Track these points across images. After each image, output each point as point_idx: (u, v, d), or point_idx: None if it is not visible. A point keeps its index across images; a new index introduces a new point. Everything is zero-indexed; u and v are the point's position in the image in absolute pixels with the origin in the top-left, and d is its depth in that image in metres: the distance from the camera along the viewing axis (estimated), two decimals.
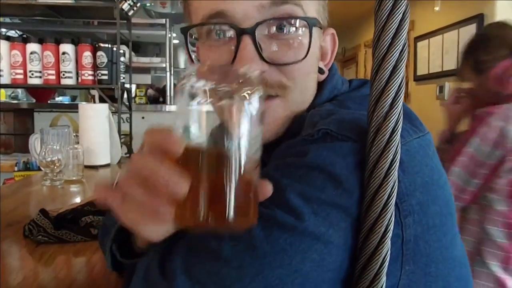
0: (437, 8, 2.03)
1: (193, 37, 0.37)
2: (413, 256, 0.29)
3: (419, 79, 2.26)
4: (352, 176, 0.28)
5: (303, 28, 0.34)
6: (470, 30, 1.83)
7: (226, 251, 0.27)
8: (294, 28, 0.34)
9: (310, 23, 0.34)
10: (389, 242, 0.27)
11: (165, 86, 2.63)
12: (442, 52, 2.03)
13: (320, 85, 0.40)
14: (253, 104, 0.24)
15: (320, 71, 0.39)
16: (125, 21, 1.76)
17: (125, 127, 1.72)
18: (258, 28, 0.33)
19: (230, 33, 0.34)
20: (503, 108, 0.81)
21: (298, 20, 0.34)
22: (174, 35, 2.90)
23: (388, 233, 0.27)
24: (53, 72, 1.50)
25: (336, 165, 0.28)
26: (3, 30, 1.90)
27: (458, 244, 0.34)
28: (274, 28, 0.34)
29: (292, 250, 0.26)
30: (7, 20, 2.10)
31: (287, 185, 0.28)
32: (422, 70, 2.23)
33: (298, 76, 0.35)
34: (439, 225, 0.30)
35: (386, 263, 0.27)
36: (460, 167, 0.83)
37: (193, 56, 0.38)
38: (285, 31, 0.34)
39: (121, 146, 1.47)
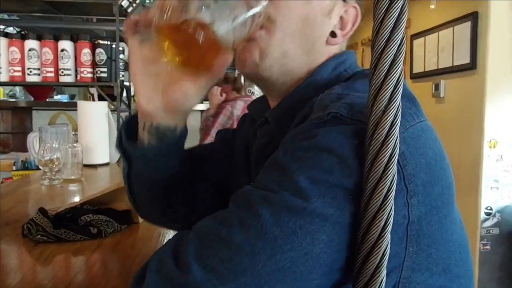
0: (432, 6, 2.03)
1: None
2: (416, 237, 0.30)
3: (415, 76, 2.27)
4: (360, 158, 0.28)
5: None
6: (465, 28, 1.84)
7: (238, 238, 0.27)
8: None
9: None
10: (389, 236, 0.27)
11: None
12: (438, 50, 2.04)
13: (330, 57, 0.41)
14: None
15: (332, 34, 0.40)
16: (124, 18, 1.75)
17: None
18: None
19: None
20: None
21: None
22: None
23: (388, 227, 0.27)
24: (52, 69, 1.49)
25: (345, 146, 0.28)
26: (1, 26, 1.88)
27: (458, 229, 0.34)
28: None
29: (302, 232, 0.27)
30: (5, 16, 2.08)
31: (295, 169, 0.28)
32: (418, 68, 2.24)
33: (289, 11, 0.37)
34: (440, 207, 0.31)
35: (386, 257, 0.27)
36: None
37: None
38: None
39: None
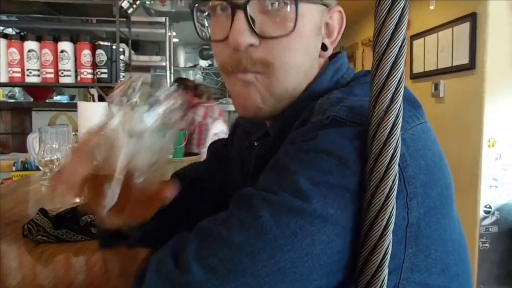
0: (432, 7, 2.05)
1: (205, 14, 0.40)
2: (415, 238, 0.30)
3: (415, 77, 2.29)
4: (360, 159, 0.28)
5: (293, 5, 0.35)
6: (464, 29, 1.86)
7: (238, 238, 0.27)
8: (285, 5, 0.35)
9: None
10: (391, 235, 0.28)
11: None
12: (437, 50, 2.05)
13: (324, 66, 0.40)
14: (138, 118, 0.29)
15: (323, 47, 0.39)
16: (125, 19, 1.75)
17: None
18: (250, 3, 0.35)
19: (228, 8, 0.36)
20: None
21: None
22: (174, 33, 2.89)
23: (390, 226, 0.27)
24: (52, 70, 1.49)
25: (344, 148, 0.28)
26: (0, 27, 1.88)
27: (457, 228, 0.34)
28: (268, 5, 0.35)
29: (302, 233, 0.27)
30: (4, 17, 2.08)
31: (295, 170, 0.29)
32: (417, 68, 2.26)
33: (286, 54, 0.36)
34: (439, 207, 0.31)
35: (388, 256, 0.28)
36: None
37: (201, 34, 0.40)
38: (277, 7, 0.35)
39: None
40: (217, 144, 0.56)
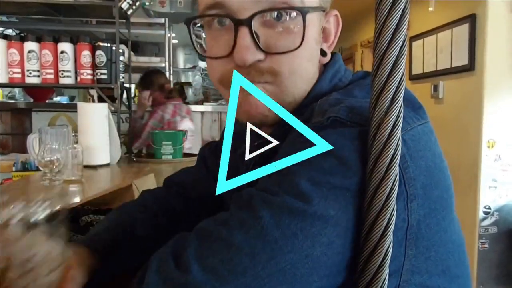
0: (431, 9, 2.05)
1: (198, 25, 0.38)
2: (415, 240, 0.30)
3: (414, 78, 2.29)
4: (360, 159, 0.28)
5: (298, 17, 0.34)
6: (463, 30, 1.86)
7: (238, 238, 0.27)
8: (289, 18, 0.34)
9: (303, 11, 0.34)
10: (392, 235, 0.28)
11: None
12: (436, 51, 2.06)
13: (322, 70, 0.40)
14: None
15: (323, 53, 0.39)
16: (124, 20, 1.76)
17: (124, 127, 1.72)
18: (254, 18, 0.33)
19: (229, 23, 0.35)
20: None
21: (293, 10, 0.34)
22: (173, 34, 2.89)
23: (390, 227, 0.27)
24: (52, 71, 1.49)
25: (345, 148, 0.28)
26: (1, 28, 1.88)
27: (457, 229, 0.34)
28: (270, 18, 0.34)
29: (303, 235, 0.27)
30: (4, 18, 2.08)
31: (296, 171, 0.28)
32: (417, 69, 2.26)
33: (294, 64, 0.35)
34: (439, 209, 0.31)
35: (389, 256, 0.28)
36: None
37: (197, 47, 0.39)
38: (281, 20, 0.34)
39: (121, 146, 1.47)
40: (207, 149, 0.56)
